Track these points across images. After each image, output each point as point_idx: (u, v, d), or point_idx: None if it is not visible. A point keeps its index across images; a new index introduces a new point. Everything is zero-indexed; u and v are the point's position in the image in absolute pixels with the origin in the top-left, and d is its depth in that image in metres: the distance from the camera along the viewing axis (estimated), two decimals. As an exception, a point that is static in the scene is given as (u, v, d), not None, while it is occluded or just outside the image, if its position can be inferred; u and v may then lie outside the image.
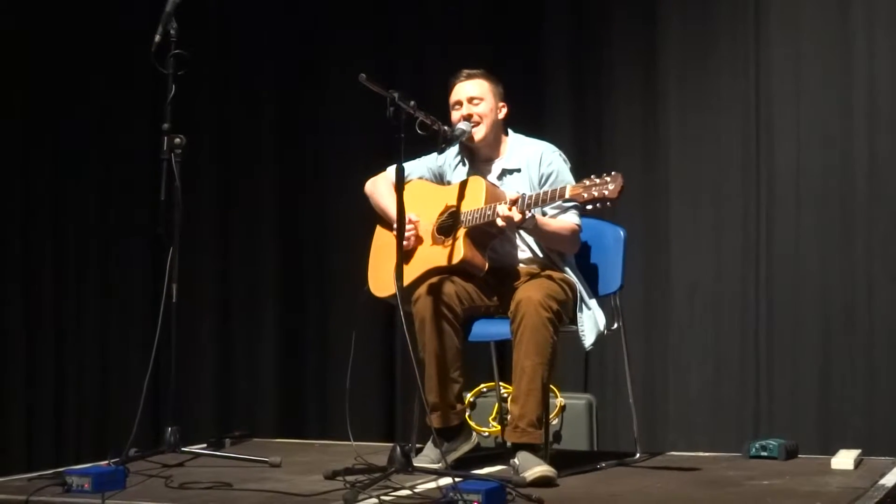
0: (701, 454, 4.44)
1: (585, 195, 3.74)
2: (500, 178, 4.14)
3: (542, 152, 4.13)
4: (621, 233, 4.31)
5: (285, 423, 5.90)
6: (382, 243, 4.24)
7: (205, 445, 4.38)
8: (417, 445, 4.07)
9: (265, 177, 6.17)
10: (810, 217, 5.26)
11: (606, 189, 3.70)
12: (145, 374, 4.04)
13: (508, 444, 3.97)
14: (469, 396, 5.13)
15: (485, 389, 5.20)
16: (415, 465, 3.64)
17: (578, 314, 4.01)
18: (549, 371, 3.84)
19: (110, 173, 6.14)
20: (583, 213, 4.00)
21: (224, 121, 6.18)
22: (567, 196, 3.79)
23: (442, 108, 4.14)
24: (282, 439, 5.05)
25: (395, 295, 3.72)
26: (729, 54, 5.44)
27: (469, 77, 4.16)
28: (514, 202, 3.82)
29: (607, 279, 4.26)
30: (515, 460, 3.77)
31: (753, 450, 4.23)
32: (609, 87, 5.63)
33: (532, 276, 4.04)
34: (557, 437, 5.03)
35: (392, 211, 4.05)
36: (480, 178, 4.07)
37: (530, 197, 3.85)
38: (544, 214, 4.04)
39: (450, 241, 4.04)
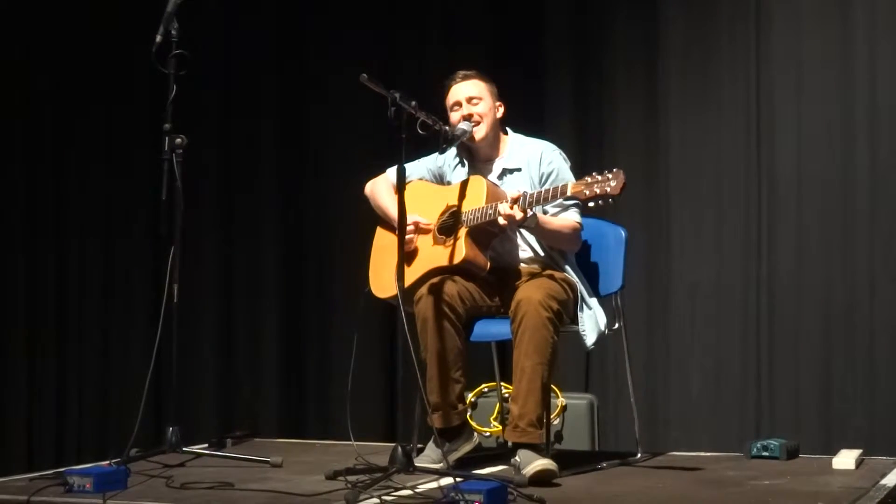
0: (702, 454, 4.44)
1: (587, 192, 3.74)
2: (500, 177, 4.14)
3: (542, 151, 4.13)
4: (622, 233, 4.30)
5: (286, 423, 5.91)
6: (383, 244, 4.25)
7: (206, 445, 4.39)
8: (419, 445, 4.07)
9: (267, 178, 6.17)
10: (811, 217, 5.26)
11: (608, 186, 3.70)
12: (147, 374, 4.04)
13: (509, 443, 3.97)
14: (470, 396, 5.13)
15: (486, 389, 5.21)
16: (416, 465, 3.64)
17: (579, 314, 4.01)
18: (549, 371, 3.84)
19: (112, 173, 6.13)
20: (585, 211, 4.01)
21: (225, 121, 6.18)
22: (569, 193, 3.79)
23: (443, 109, 4.15)
24: (283, 439, 5.06)
25: (396, 296, 3.72)
26: (730, 54, 5.44)
27: (465, 78, 4.17)
28: (515, 200, 3.82)
29: (608, 279, 4.26)
30: (516, 458, 3.77)
31: (755, 450, 4.22)
32: (610, 88, 5.63)
33: (533, 275, 4.04)
34: (559, 436, 5.03)
35: (392, 212, 4.06)
36: (481, 178, 4.07)
37: (532, 195, 3.85)
38: (545, 213, 4.04)
39: (451, 241, 4.04)
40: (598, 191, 3.72)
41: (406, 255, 3.88)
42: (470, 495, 3.17)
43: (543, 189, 3.93)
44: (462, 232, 4.01)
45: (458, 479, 3.34)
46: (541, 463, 3.69)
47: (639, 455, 4.27)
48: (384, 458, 3.66)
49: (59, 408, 5.94)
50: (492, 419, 5.15)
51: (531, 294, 3.85)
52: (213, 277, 6.12)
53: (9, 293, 5.84)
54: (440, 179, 4.27)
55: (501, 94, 4.22)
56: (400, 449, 3.61)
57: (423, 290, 3.95)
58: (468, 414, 4.61)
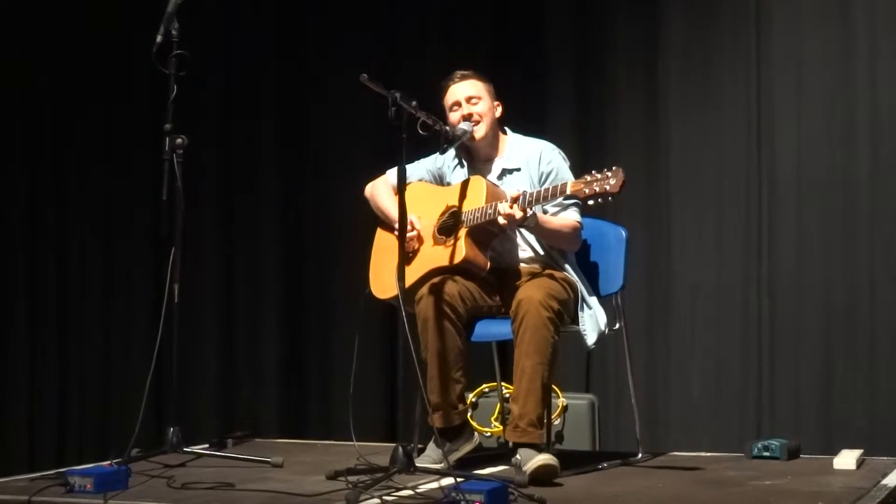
0: (703, 454, 4.44)
1: (587, 190, 3.74)
2: (500, 177, 4.14)
3: (541, 150, 4.14)
4: (623, 233, 4.30)
5: (287, 423, 5.91)
6: (383, 245, 4.25)
7: (207, 446, 4.39)
8: (419, 445, 4.07)
9: (267, 178, 6.17)
10: (812, 217, 5.26)
11: (608, 184, 3.70)
12: (147, 375, 4.05)
13: (510, 444, 3.97)
14: (471, 397, 5.13)
15: (487, 390, 5.21)
16: (417, 465, 3.64)
17: (580, 313, 4.01)
18: (549, 371, 3.84)
19: (112, 173, 6.13)
20: (585, 210, 4.01)
21: (225, 121, 6.18)
22: (568, 192, 3.79)
23: (442, 109, 4.15)
24: (284, 439, 5.06)
25: (396, 296, 3.73)
26: (730, 55, 5.43)
27: (463, 78, 4.17)
28: (515, 200, 3.83)
29: (609, 279, 4.26)
30: (517, 457, 3.77)
31: (755, 450, 4.22)
32: (611, 88, 5.63)
33: (533, 275, 4.04)
34: (559, 437, 5.03)
35: (392, 213, 4.06)
36: (481, 178, 4.07)
37: (531, 194, 3.85)
38: (545, 212, 4.04)
39: (451, 241, 4.04)
40: (597, 189, 3.72)
41: (406, 256, 3.88)
42: (471, 495, 3.17)
43: (543, 188, 3.93)
44: (462, 232, 4.01)
45: (458, 480, 3.34)
46: (542, 458, 3.69)
47: (639, 455, 4.27)
48: (385, 459, 3.66)
49: (59, 408, 5.94)
50: (492, 419, 5.15)
51: (532, 294, 3.85)
52: (213, 278, 6.11)
53: (9, 293, 5.84)
54: (440, 180, 4.27)
55: (502, 95, 4.22)
56: (401, 449, 3.61)
57: (424, 289, 3.95)
58: (469, 414, 4.61)
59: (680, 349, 5.44)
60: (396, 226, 3.85)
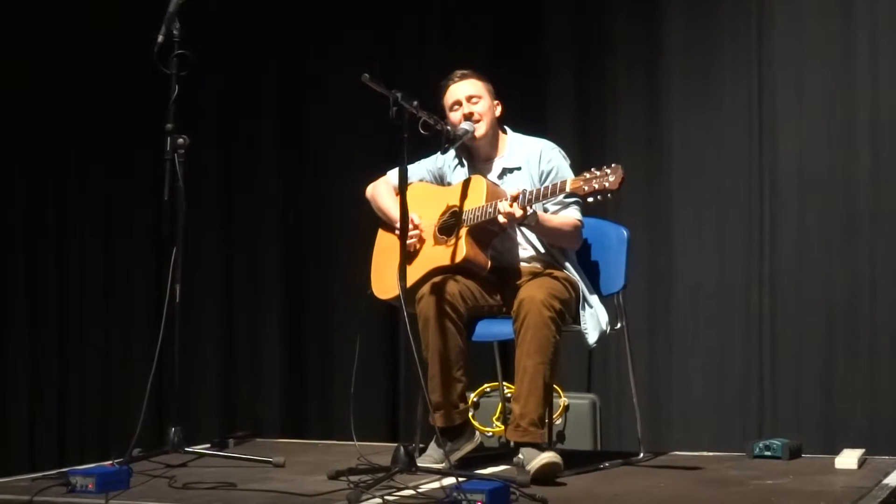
0: (704, 454, 4.44)
1: (586, 188, 3.75)
2: (500, 176, 4.14)
3: (541, 149, 4.14)
4: (624, 232, 4.30)
5: (288, 423, 5.91)
6: (384, 246, 4.25)
7: (208, 446, 4.38)
8: (421, 445, 4.07)
9: (267, 178, 6.17)
10: (813, 217, 5.26)
11: (607, 181, 3.71)
12: (149, 375, 4.04)
13: (512, 443, 3.97)
14: (472, 396, 5.13)
15: (488, 389, 5.21)
16: (418, 464, 3.64)
17: (581, 312, 4.01)
18: (550, 370, 3.84)
19: (112, 173, 6.13)
20: (585, 208, 4.00)
21: (225, 121, 6.18)
22: (568, 190, 3.80)
23: (442, 109, 4.15)
24: (285, 439, 5.06)
25: (398, 297, 3.73)
26: (732, 54, 5.43)
27: (463, 77, 4.17)
28: (515, 198, 3.83)
29: (610, 279, 4.26)
30: (519, 457, 3.77)
31: (757, 449, 4.22)
32: (612, 88, 5.63)
33: (534, 274, 4.04)
34: (561, 436, 5.03)
35: (393, 213, 4.07)
36: (481, 177, 4.07)
37: (531, 192, 3.85)
38: (546, 210, 4.04)
39: (452, 241, 4.04)
40: (597, 186, 3.73)
41: (407, 256, 3.88)
42: (472, 495, 3.17)
43: (543, 186, 3.94)
44: (463, 231, 4.01)
45: (460, 479, 3.34)
46: (545, 456, 3.69)
47: (641, 455, 4.27)
48: (386, 458, 3.66)
49: (61, 408, 5.93)
50: (494, 419, 5.15)
51: (533, 293, 3.85)
52: (214, 278, 6.11)
53: (9, 293, 5.84)
54: (440, 180, 4.27)
55: (502, 95, 4.23)
56: (402, 449, 3.61)
57: (425, 289, 3.95)
58: (470, 413, 4.61)
59: (681, 349, 5.44)
60: (398, 226, 3.85)
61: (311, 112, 6.10)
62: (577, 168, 4.10)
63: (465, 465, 3.92)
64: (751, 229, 5.34)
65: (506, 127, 4.25)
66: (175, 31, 4.07)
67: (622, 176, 3.70)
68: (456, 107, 4.14)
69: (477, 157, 4.22)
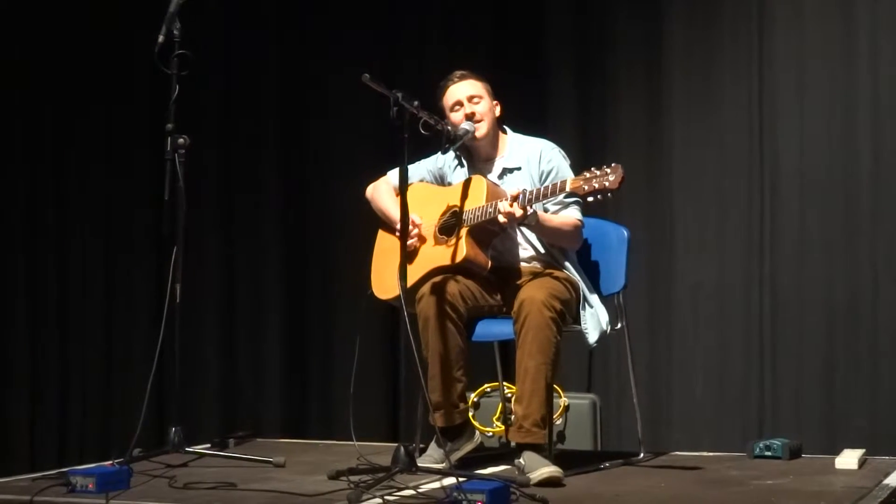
0: (705, 454, 4.44)
1: (586, 187, 3.75)
2: (501, 176, 4.15)
3: (541, 149, 4.14)
4: (625, 233, 4.30)
5: (289, 423, 5.90)
6: (385, 246, 4.25)
7: (209, 445, 4.39)
8: (421, 445, 4.07)
9: (268, 178, 6.17)
10: (814, 217, 5.26)
11: (607, 180, 3.71)
12: (149, 375, 4.05)
13: (513, 444, 3.97)
14: (473, 396, 5.13)
15: (489, 389, 5.21)
16: (419, 465, 3.64)
17: (581, 312, 4.01)
18: (552, 371, 3.84)
19: (112, 173, 6.13)
20: (585, 207, 4.00)
21: (226, 121, 6.17)
22: (568, 189, 3.80)
23: (441, 110, 4.15)
24: (285, 439, 5.06)
25: (398, 297, 3.73)
26: (732, 54, 5.43)
27: (463, 77, 4.17)
28: (515, 198, 3.83)
29: (611, 279, 4.26)
30: (521, 460, 3.77)
31: (757, 449, 4.23)
32: (612, 88, 5.63)
33: (535, 275, 4.04)
34: (561, 436, 5.03)
35: (393, 214, 4.07)
36: (481, 177, 4.07)
37: (531, 192, 3.86)
38: (546, 210, 4.04)
39: (452, 241, 4.04)
40: (597, 185, 3.73)
41: (408, 256, 3.88)
42: (473, 495, 3.17)
43: (543, 186, 3.94)
44: (463, 231, 4.01)
45: (460, 479, 3.34)
46: (547, 470, 3.68)
47: (641, 455, 4.27)
48: (387, 458, 3.66)
49: (61, 408, 5.93)
50: (494, 419, 5.15)
51: (534, 294, 3.85)
52: (214, 278, 6.11)
53: (9, 293, 5.83)
54: (441, 180, 4.27)
55: (502, 95, 4.23)
56: (402, 449, 3.61)
57: (425, 289, 3.95)
58: (471, 413, 4.61)
59: (681, 349, 5.44)
60: (398, 226, 3.85)
61: (311, 112, 6.10)
62: (577, 168, 4.10)
63: (465, 465, 3.93)
64: (751, 229, 5.34)
65: (506, 127, 4.25)
66: (175, 31, 4.08)
67: (622, 175, 3.70)
68: (457, 107, 4.14)
69: (477, 157, 4.21)
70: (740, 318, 5.34)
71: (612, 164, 3.74)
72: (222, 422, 5.80)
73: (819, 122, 5.27)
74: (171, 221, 4.10)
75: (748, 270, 5.34)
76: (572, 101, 5.70)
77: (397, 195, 3.94)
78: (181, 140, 4.06)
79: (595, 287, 4.16)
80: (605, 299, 4.16)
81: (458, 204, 4.06)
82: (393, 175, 4.19)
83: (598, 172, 3.75)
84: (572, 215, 4.07)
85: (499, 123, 4.22)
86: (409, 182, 3.89)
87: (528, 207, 3.84)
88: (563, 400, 5.08)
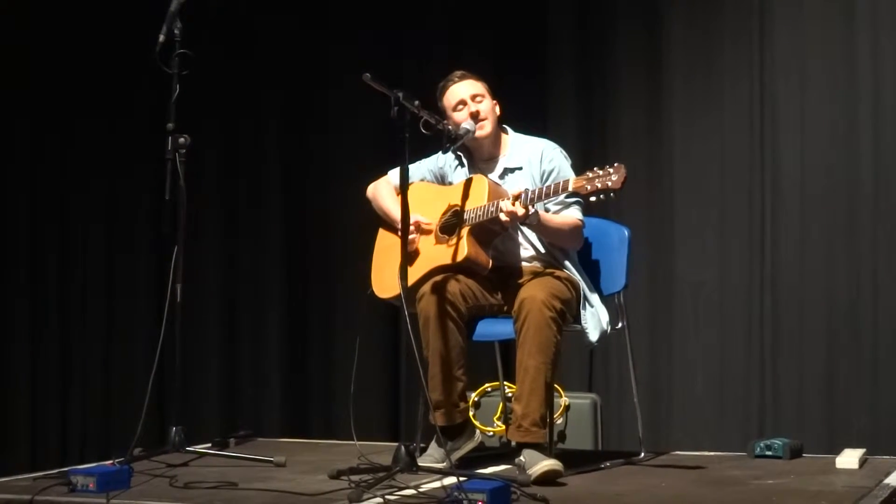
0: (705, 453, 4.44)
1: (589, 187, 3.75)
2: (502, 176, 4.14)
3: (542, 149, 4.14)
4: (626, 232, 4.30)
5: (290, 422, 5.91)
6: (385, 245, 4.25)
7: (209, 445, 4.38)
8: (421, 445, 4.07)
9: (270, 178, 6.17)
10: (815, 216, 5.26)
11: (609, 180, 3.71)
12: (150, 374, 4.05)
13: (513, 443, 3.97)
14: (473, 396, 5.13)
15: (489, 389, 5.20)
16: (419, 464, 3.64)
17: (582, 311, 4.01)
18: (552, 370, 3.84)
19: (114, 173, 6.13)
20: (587, 208, 4.00)
21: (229, 122, 6.18)
22: (570, 189, 3.80)
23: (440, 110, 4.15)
24: (286, 439, 5.07)
25: (398, 296, 3.73)
26: (733, 54, 5.43)
27: (463, 77, 4.17)
28: (517, 197, 3.83)
29: (612, 278, 4.26)
30: (521, 458, 3.76)
31: (758, 449, 4.22)
32: (614, 88, 5.62)
33: (535, 274, 4.04)
34: (562, 436, 5.03)
35: (394, 213, 4.07)
36: (483, 177, 4.07)
37: (533, 192, 3.86)
38: (547, 210, 4.04)
39: (453, 240, 4.04)
40: (599, 185, 3.73)
41: (408, 255, 3.88)
42: (473, 494, 3.17)
43: (545, 185, 3.94)
44: (464, 231, 4.01)
45: (461, 479, 3.34)
46: (547, 464, 3.68)
47: (642, 454, 4.26)
48: (387, 458, 3.66)
49: (62, 407, 5.94)
50: (495, 418, 5.14)
51: (534, 293, 3.85)
52: (215, 277, 6.11)
53: (9, 293, 5.84)
54: (442, 180, 4.27)
55: (503, 95, 4.23)
56: (403, 448, 3.61)
57: (426, 288, 3.95)
58: (471, 413, 4.61)
59: (682, 348, 5.44)
60: (399, 226, 3.85)
61: (311, 112, 6.10)
62: (578, 168, 4.10)
63: (465, 465, 3.93)
64: (752, 229, 5.34)
65: (507, 127, 4.25)
66: (176, 31, 4.08)
67: (625, 175, 3.70)
68: (460, 106, 4.14)
69: (478, 156, 4.21)
70: (741, 318, 5.34)
71: (615, 164, 3.74)
72: (223, 421, 5.81)
73: (820, 122, 5.27)
74: (172, 221, 4.10)
75: (749, 270, 5.33)
76: (572, 101, 5.70)
77: (398, 194, 3.94)
78: (182, 139, 4.06)
79: (596, 286, 4.16)
80: (605, 299, 4.16)
81: (460, 203, 4.06)
82: (393, 174, 4.19)
83: (600, 172, 3.74)
84: (573, 215, 4.07)
85: (499, 123, 4.22)
86: (410, 181, 3.89)
87: (530, 207, 3.84)
88: (563, 399, 5.08)
